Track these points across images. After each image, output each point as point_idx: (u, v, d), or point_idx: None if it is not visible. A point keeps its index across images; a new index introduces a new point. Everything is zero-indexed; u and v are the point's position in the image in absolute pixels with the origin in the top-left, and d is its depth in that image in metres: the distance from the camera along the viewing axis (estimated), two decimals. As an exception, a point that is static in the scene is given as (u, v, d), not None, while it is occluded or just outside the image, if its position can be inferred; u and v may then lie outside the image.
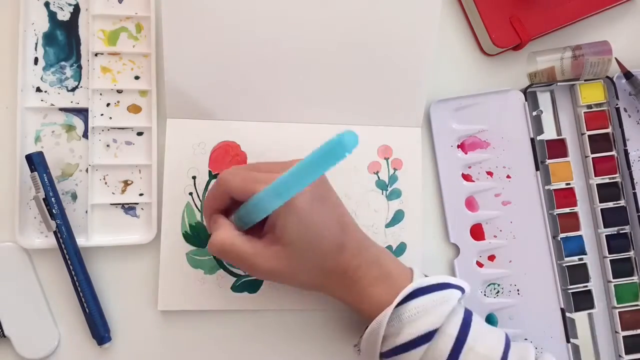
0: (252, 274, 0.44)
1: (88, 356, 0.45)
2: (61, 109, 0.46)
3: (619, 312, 0.49)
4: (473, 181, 0.50)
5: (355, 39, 0.46)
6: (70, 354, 0.45)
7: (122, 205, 0.46)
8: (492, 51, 0.51)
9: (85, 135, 0.46)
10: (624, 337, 0.49)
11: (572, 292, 0.49)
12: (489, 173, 0.50)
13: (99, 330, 0.44)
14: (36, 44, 0.45)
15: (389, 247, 0.47)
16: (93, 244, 0.45)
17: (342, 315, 0.47)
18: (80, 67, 0.46)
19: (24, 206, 0.44)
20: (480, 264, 0.49)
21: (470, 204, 0.50)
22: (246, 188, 0.37)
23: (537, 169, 0.49)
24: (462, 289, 0.40)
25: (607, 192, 0.50)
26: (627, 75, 0.50)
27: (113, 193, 0.46)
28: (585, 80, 0.50)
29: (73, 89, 0.46)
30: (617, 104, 0.50)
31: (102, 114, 0.46)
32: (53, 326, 0.44)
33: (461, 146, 0.50)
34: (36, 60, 0.45)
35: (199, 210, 0.45)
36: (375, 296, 0.39)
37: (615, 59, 0.50)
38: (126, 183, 0.46)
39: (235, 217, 0.40)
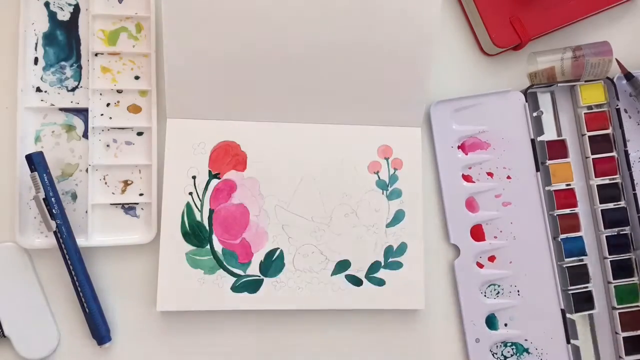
0: None
1: (88, 356, 0.45)
2: (61, 109, 0.46)
3: (619, 313, 0.49)
4: (473, 182, 0.50)
5: (356, 39, 0.46)
6: (70, 354, 0.45)
7: (122, 205, 0.46)
8: (492, 51, 0.51)
9: (85, 135, 0.46)
10: (624, 338, 0.49)
11: (572, 293, 0.49)
12: (489, 174, 0.50)
13: (99, 330, 0.44)
14: (36, 44, 0.45)
15: (390, 247, 0.47)
16: (93, 244, 0.45)
17: (342, 315, 0.47)
18: (80, 67, 0.46)
19: (24, 206, 0.44)
20: (480, 265, 0.49)
21: (471, 204, 0.50)
22: None
23: (537, 169, 0.49)
24: None
25: (608, 193, 0.50)
26: (628, 76, 0.50)
27: (113, 193, 0.46)
28: (585, 81, 0.50)
29: (73, 89, 0.46)
30: (617, 105, 0.50)
31: (102, 114, 0.46)
32: (53, 326, 0.44)
33: (461, 147, 0.50)
34: (36, 60, 0.45)
35: (198, 210, 0.45)
36: None
37: (616, 59, 0.50)
38: (126, 183, 0.46)
39: None
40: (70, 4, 0.46)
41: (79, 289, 0.43)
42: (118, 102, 0.46)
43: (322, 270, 0.46)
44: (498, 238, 0.49)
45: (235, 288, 0.45)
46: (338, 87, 0.47)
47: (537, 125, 0.51)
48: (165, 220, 0.45)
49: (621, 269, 0.49)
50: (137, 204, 0.46)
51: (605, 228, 0.50)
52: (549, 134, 0.51)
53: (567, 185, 0.50)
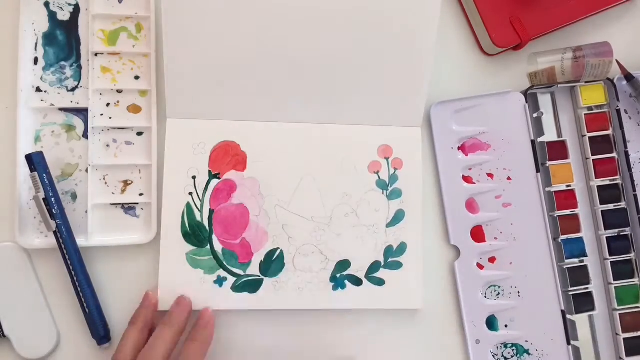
0: None
1: (88, 356, 0.45)
2: (61, 109, 0.46)
3: (620, 314, 0.49)
4: (474, 183, 0.50)
5: (356, 39, 0.46)
6: (69, 354, 0.45)
7: (122, 205, 0.46)
8: (492, 51, 0.51)
9: (85, 135, 0.46)
10: (624, 339, 0.49)
11: (572, 294, 0.49)
12: (490, 175, 0.50)
13: (99, 330, 0.44)
14: (36, 44, 0.45)
15: (390, 247, 0.47)
16: (93, 244, 0.45)
17: (342, 315, 0.47)
18: (80, 67, 0.46)
19: (24, 206, 0.44)
20: (480, 266, 0.49)
21: (471, 205, 0.49)
22: None
23: (537, 170, 0.49)
24: None
25: (608, 194, 0.50)
26: (628, 77, 0.50)
27: (113, 193, 0.46)
28: (585, 82, 0.50)
29: (73, 89, 0.46)
30: (617, 106, 0.50)
31: (102, 114, 0.46)
32: (53, 326, 0.44)
33: (462, 148, 0.50)
34: (36, 60, 0.45)
35: (198, 210, 0.45)
36: None
37: (616, 60, 0.50)
38: (126, 183, 0.46)
39: None
40: (70, 4, 0.46)
41: (79, 288, 0.43)
42: (118, 102, 0.46)
43: (322, 270, 0.46)
44: (498, 239, 0.49)
45: (236, 288, 0.45)
46: (338, 87, 0.47)
47: (538, 126, 0.51)
48: (165, 220, 0.45)
49: (621, 270, 0.49)
50: (137, 204, 0.46)
51: (605, 229, 0.50)
52: (549, 135, 0.51)
53: (568, 186, 0.50)
